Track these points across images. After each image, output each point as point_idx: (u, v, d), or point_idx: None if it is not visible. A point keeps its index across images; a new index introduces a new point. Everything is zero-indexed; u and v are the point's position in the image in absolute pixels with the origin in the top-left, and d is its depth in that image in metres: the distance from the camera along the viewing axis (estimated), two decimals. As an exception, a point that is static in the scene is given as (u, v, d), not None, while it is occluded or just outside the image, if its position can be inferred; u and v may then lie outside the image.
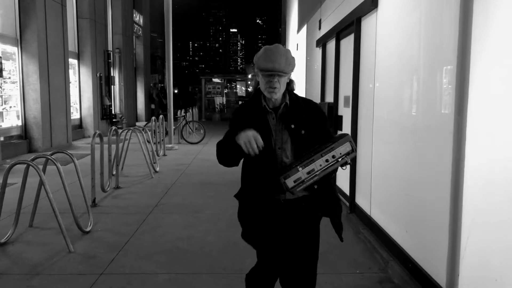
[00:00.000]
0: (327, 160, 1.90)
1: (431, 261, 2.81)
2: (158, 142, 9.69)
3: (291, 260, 2.13)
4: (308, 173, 1.89)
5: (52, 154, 4.01)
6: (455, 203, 2.49)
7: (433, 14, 2.91)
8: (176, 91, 21.68)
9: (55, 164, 3.82)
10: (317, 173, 1.90)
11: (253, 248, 2.21)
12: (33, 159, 3.81)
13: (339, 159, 1.93)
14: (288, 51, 2.01)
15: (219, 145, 2.07)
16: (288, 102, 2.04)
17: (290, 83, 2.06)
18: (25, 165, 3.86)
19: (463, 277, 2.42)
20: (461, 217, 2.44)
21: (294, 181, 1.89)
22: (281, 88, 1.98)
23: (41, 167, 3.90)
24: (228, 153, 2.01)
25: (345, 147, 1.93)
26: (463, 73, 2.43)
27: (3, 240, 3.81)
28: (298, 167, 1.89)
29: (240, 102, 24.44)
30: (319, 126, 2.06)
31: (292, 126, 2.00)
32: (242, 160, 2.08)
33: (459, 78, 2.46)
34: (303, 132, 2.00)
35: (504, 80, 2.11)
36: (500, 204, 2.11)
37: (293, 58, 2.00)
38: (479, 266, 2.30)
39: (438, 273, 2.66)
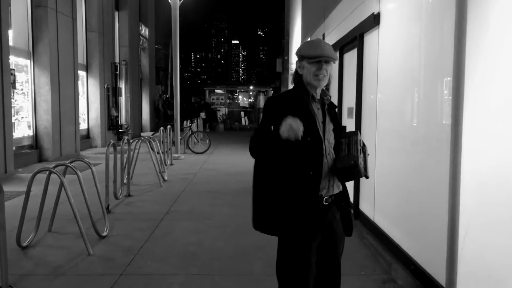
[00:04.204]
0: (362, 147, 2.10)
1: (431, 262, 3.00)
2: (166, 152, 9.92)
3: (326, 259, 2.14)
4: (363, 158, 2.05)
5: (71, 162, 4.23)
6: (453, 207, 2.69)
7: (431, 31, 3.14)
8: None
9: (75, 172, 4.04)
10: (365, 156, 2.08)
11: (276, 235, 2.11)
12: (54, 167, 4.03)
13: (364, 148, 2.13)
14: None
15: (255, 139, 2.06)
16: (330, 96, 2.16)
17: (329, 81, 2.14)
18: (46, 174, 4.07)
19: (461, 275, 2.61)
20: (458, 219, 2.64)
21: (362, 164, 2.02)
22: (326, 76, 2.05)
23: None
24: (268, 145, 2.00)
25: (360, 139, 2.15)
26: (458, 85, 2.65)
27: (25, 244, 4.01)
28: (357, 154, 2.02)
29: (242, 113, 24.68)
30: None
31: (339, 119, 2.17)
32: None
33: (455, 90, 2.67)
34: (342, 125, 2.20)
35: (498, 91, 2.33)
36: (492, 207, 2.31)
37: None
38: (475, 264, 2.49)
39: (438, 272, 2.85)
